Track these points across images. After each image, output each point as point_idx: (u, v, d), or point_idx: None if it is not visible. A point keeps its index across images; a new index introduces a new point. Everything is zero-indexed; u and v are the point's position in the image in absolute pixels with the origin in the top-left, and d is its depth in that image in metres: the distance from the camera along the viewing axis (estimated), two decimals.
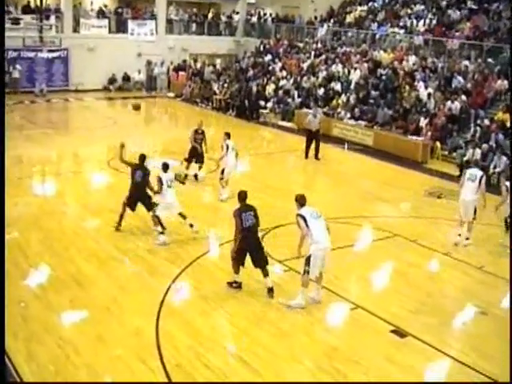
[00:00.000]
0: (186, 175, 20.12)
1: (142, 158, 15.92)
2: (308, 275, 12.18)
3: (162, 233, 15.35)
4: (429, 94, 29.54)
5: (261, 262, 12.77)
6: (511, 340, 9.77)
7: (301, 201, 12.70)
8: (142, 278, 13.65)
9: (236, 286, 13.07)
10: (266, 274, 12.74)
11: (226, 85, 38.03)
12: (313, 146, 25.29)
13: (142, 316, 11.88)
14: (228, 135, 19.69)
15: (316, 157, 25.18)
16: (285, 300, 12.47)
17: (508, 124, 25.75)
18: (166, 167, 15.67)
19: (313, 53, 39.47)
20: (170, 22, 44.32)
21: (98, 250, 14.83)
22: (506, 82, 28.62)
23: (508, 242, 15.52)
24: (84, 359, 10.23)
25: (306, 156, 25.27)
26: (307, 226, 12.20)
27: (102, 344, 10.79)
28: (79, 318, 11.80)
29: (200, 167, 21.27)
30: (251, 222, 12.72)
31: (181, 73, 42.45)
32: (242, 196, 13.07)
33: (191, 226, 15.68)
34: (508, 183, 16.62)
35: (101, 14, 41.88)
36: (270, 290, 12.73)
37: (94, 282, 13.23)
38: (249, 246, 12.63)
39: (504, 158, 23.06)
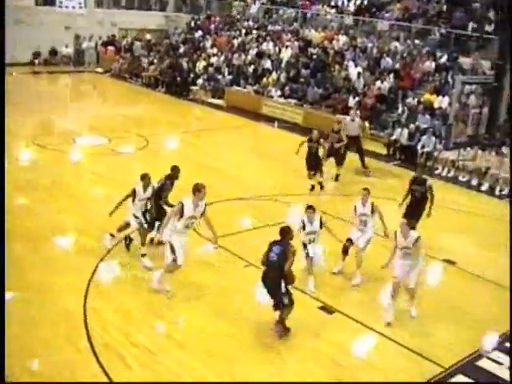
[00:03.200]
0: None
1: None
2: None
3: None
4: (358, 74, 29.83)
5: None
6: (511, 341, 10.02)
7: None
8: (70, 257, 13.49)
9: None
10: None
11: (155, 61, 37.69)
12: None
13: (70, 296, 11.73)
14: None
15: (363, 166, 22.34)
16: None
17: (435, 105, 26.23)
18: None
19: (244, 30, 39.39)
20: None
21: (28, 230, 14.53)
22: (433, 63, 29.10)
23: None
24: (16, 341, 10.02)
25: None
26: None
27: (33, 326, 10.62)
28: (10, 299, 11.59)
29: None
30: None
31: (110, 48, 41.74)
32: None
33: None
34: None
35: None
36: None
37: (23, 262, 13.00)
38: None
39: (433, 139, 23.47)
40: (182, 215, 11.72)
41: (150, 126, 25.88)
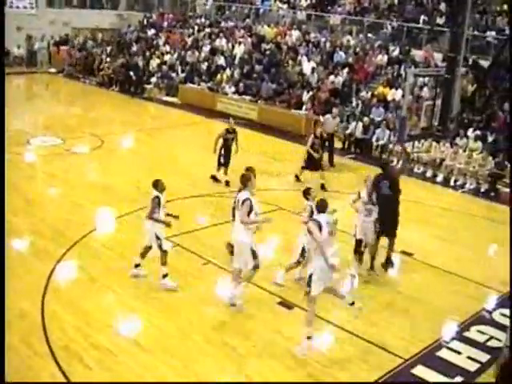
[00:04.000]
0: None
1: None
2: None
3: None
4: (312, 69, 29.96)
5: None
6: (511, 339, 10.11)
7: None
8: (25, 259, 13.33)
9: None
10: None
11: (109, 59, 37.39)
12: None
13: (26, 298, 11.58)
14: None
15: (331, 163, 22.41)
16: None
17: (389, 97, 26.46)
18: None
19: (196, 27, 39.28)
20: None
21: None
22: (386, 56, 29.37)
23: None
24: None
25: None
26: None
27: None
28: None
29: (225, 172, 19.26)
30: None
31: (62, 47, 41.30)
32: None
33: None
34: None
35: None
36: None
37: None
38: None
39: (387, 132, 23.66)
40: (250, 212, 11.24)
41: (104, 126, 25.68)
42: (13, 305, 11.28)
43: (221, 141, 18.94)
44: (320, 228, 10.21)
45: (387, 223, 13.17)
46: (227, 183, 18.82)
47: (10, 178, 17.29)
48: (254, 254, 11.47)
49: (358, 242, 13.34)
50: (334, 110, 23.24)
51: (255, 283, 12.49)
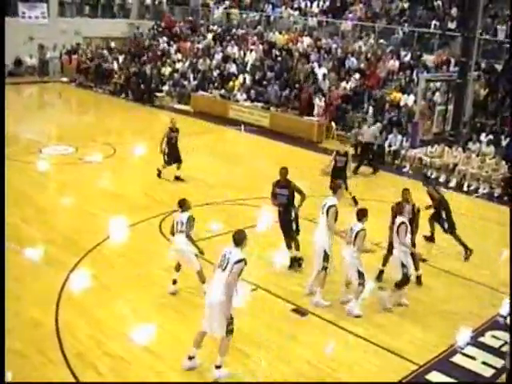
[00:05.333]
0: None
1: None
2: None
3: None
4: (324, 75, 29.92)
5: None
6: (511, 342, 10.07)
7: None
8: (38, 268, 13.35)
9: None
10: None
11: (121, 68, 37.49)
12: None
13: (40, 307, 11.61)
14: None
15: (375, 171, 22.66)
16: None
17: (401, 103, 26.39)
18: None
19: (208, 35, 39.34)
20: (62, 4, 43.08)
21: None
22: (397, 62, 29.31)
23: None
24: None
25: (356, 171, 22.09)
26: None
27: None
28: None
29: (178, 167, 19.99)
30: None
31: (74, 57, 41.47)
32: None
33: None
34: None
35: None
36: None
37: None
38: None
39: (399, 137, 23.60)
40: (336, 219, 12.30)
41: (116, 134, 25.77)
42: (26, 314, 11.34)
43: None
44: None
45: None
46: (177, 178, 19.70)
47: (22, 186, 17.43)
48: (326, 257, 12.11)
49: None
50: (369, 119, 23.47)
51: (268, 289, 12.48)
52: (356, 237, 11.81)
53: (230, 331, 9.65)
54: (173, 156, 19.65)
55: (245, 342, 10.73)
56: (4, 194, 12.99)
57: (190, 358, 9.98)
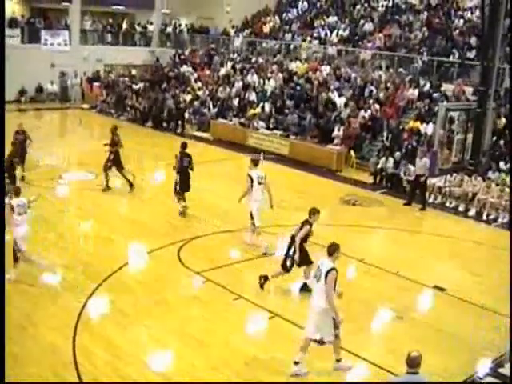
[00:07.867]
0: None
1: None
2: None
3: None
4: (345, 104, 30.02)
5: None
6: (511, 342, 9.98)
7: None
8: (56, 293, 13.38)
9: None
10: None
11: (142, 95, 37.76)
12: None
13: (57, 332, 11.63)
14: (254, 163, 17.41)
15: (423, 207, 21.76)
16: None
17: (421, 131, 26.38)
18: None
19: (228, 63, 39.63)
20: (84, 32, 43.68)
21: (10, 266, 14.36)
22: (416, 90, 29.33)
23: None
24: None
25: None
26: None
27: (17, 363, 10.48)
28: None
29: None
30: None
31: (95, 84, 41.93)
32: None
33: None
34: None
35: (13, 23, 40.76)
36: None
37: (7, 298, 12.86)
38: None
39: (411, 168, 23.25)
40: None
41: (136, 161, 25.84)
42: (44, 338, 11.36)
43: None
44: None
45: None
46: (23, 178, 20.99)
47: (42, 212, 17.50)
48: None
49: None
50: (420, 152, 22.36)
51: (286, 318, 12.46)
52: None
53: (336, 335, 10.50)
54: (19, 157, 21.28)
55: (263, 370, 10.69)
56: (4, 194, 13.06)
57: (296, 363, 10.48)
